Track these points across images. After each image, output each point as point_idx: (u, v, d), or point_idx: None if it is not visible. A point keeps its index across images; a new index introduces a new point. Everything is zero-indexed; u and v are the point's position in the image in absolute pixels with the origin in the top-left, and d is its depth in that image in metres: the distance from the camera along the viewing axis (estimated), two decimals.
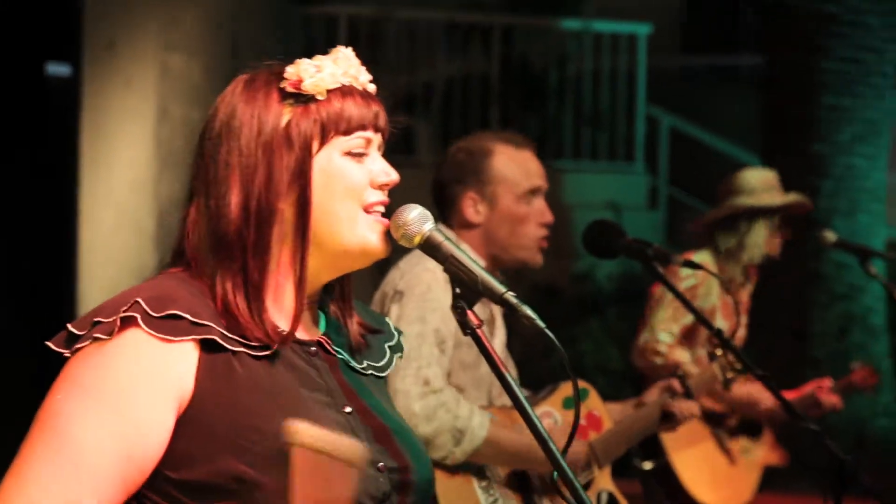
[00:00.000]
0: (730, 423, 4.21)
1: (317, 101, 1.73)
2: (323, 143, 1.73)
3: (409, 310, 2.97)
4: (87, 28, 6.21)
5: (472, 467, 3.02)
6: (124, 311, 1.62)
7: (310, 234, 1.72)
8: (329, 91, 1.73)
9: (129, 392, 1.61)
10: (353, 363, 1.81)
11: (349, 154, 1.75)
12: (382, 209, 1.77)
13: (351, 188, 1.74)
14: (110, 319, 1.63)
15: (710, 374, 3.44)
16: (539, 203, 3.15)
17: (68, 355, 1.64)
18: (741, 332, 4.15)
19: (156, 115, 6.48)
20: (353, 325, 1.83)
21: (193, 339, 1.64)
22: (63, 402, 1.61)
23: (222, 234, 1.70)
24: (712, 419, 4.12)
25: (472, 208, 3.12)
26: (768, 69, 8.00)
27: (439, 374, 2.93)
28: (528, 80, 9.90)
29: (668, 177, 10.61)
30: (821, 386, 4.37)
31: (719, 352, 3.32)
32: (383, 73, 8.95)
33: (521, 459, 3.01)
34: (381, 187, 1.77)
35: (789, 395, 4.26)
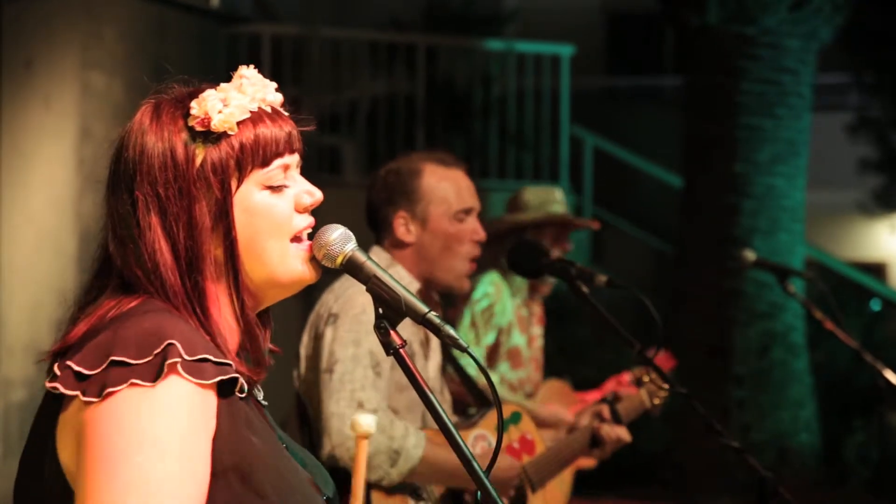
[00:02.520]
0: None
1: (228, 135, 1.69)
2: (241, 179, 1.69)
3: (343, 332, 2.96)
4: (5, 47, 6.12)
5: (408, 488, 3.01)
6: (159, 354, 1.56)
7: (242, 273, 1.70)
8: (239, 123, 1.69)
9: (193, 442, 1.57)
10: (259, 397, 1.79)
11: (269, 188, 1.71)
12: (310, 231, 1.75)
13: (278, 224, 1.71)
14: (143, 361, 1.56)
15: (638, 399, 3.46)
16: (472, 221, 3.16)
17: (93, 399, 1.56)
18: (539, 343, 4.17)
19: (77, 135, 6.39)
20: (263, 347, 1.80)
21: (215, 383, 1.60)
22: (135, 458, 1.53)
23: (163, 283, 1.66)
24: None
25: (404, 228, 3.12)
26: (689, 90, 8.11)
27: (374, 397, 2.93)
28: (452, 100, 9.93)
29: (593, 196, 10.72)
30: (619, 381, 4.40)
31: (646, 378, 3.34)
32: (308, 93, 8.94)
33: (458, 478, 3.01)
34: (306, 209, 1.74)
35: (592, 396, 4.27)
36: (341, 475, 2.90)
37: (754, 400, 7.70)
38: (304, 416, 3.09)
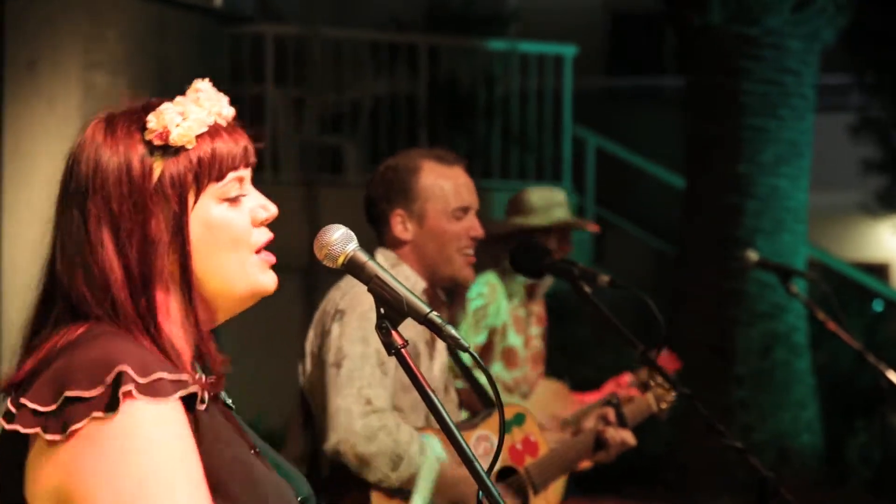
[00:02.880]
0: None
1: (186, 149, 1.67)
2: (199, 193, 1.68)
3: (351, 329, 2.96)
4: (8, 47, 6.12)
5: (410, 493, 3.00)
6: (110, 384, 1.54)
7: (195, 289, 1.68)
8: (197, 136, 1.68)
9: (184, 455, 1.56)
10: (228, 401, 1.79)
11: (227, 200, 1.70)
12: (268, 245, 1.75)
13: (236, 238, 1.70)
14: (97, 392, 1.54)
15: (645, 403, 3.45)
16: (470, 219, 3.14)
17: (56, 437, 1.54)
18: (537, 343, 4.17)
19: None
20: (219, 360, 1.78)
21: (178, 398, 1.59)
22: (147, 492, 1.52)
23: (114, 300, 1.64)
24: None
25: (401, 225, 3.11)
26: (691, 91, 8.10)
27: (381, 395, 2.92)
28: (455, 100, 9.93)
29: (595, 196, 10.71)
30: (619, 383, 4.40)
31: (653, 381, 3.32)
32: (310, 93, 8.94)
33: (458, 492, 2.99)
34: (262, 223, 1.73)
35: (591, 397, 4.27)
36: (342, 470, 2.90)
37: (756, 400, 7.70)
38: (307, 413, 3.09)
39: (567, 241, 4.22)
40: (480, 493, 1.66)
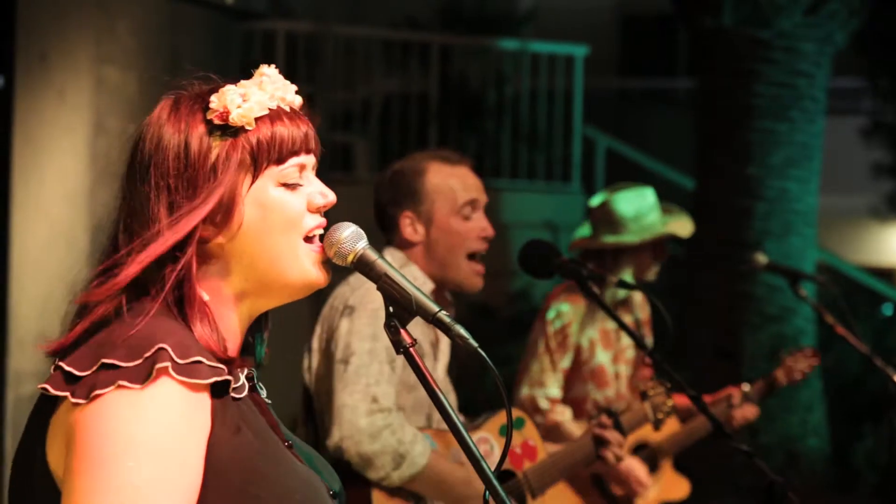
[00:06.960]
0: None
1: (245, 130, 1.69)
2: (256, 174, 1.70)
3: (361, 325, 2.96)
4: (20, 40, 6.13)
5: (411, 492, 3.00)
6: (150, 358, 1.56)
7: (243, 267, 1.70)
8: (257, 119, 1.70)
9: (183, 445, 1.56)
10: (264, 394, 1.80)
11: (284, 185, 1.71)
12: (321, 231, 1.75)
13: (290, 220, 1.71)
14: (133, 364, 1.56)
15: (642, 413, 3.44)
16: (478, 217, 3.16)
17: (81, 401, 1.56)
18: (629, 355, 4.07)
19: (90, 128, 6.40)
20: (264, 352, 1.81)
21: (208, 385, 1.60)
22: (125, 463, 1.53)
23: (164, 277, 1.66)
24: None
25: (410, 228, 3.12)
26: (702, 92, 8.09)
27: (388, 393, 2.92)
28: (466, 99, 9.93)
29: None
30: (731, 394, 4.39)
31: (651, 392, 3.32)
32: (321, 90, 8.94)
33: (456, 495, 2.99)
34: (318, 210, 1.75)
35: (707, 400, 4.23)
36: (343, 467, 2.90)
37: (763, 403, 7.69)
38: (310, 410, 3.09)
39: (663, 249, 4.03)
40: (487, 493, 1.66)
